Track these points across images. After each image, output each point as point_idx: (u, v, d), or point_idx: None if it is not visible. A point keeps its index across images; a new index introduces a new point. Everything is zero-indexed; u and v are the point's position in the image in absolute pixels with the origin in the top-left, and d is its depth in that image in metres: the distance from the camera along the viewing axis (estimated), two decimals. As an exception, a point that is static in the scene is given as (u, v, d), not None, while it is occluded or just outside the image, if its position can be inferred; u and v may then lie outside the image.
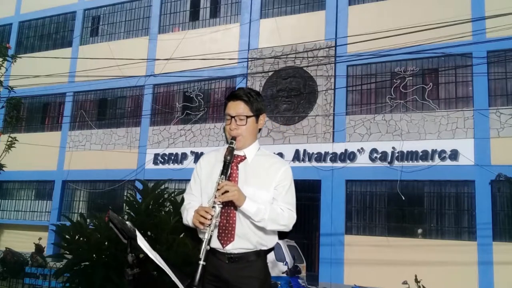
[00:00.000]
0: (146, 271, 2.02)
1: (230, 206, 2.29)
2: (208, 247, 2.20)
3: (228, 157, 2.28)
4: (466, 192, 11.79)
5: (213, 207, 2.20)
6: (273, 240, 2.40)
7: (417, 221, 12.16)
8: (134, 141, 15.97)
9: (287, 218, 2.31)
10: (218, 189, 2.21)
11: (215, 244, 2.30)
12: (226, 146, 2.35)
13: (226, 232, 2.30)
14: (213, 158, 2.45)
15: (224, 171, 2.27)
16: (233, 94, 2.43)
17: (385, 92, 13.02)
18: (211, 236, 2.21)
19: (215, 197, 2.21)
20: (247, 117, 2.36)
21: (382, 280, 11.33)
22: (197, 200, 2.43)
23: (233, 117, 2.37)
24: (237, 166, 2.38)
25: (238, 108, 2.37)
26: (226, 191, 2.18)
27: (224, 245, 2.29)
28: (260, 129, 2.48)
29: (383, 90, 13.09)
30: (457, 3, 12.32)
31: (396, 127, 12.54)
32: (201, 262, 2.15)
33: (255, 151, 2.44)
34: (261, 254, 2.37)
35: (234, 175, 2.36)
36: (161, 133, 15.62)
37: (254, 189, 2.32)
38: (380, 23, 12.67)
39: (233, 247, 2.29)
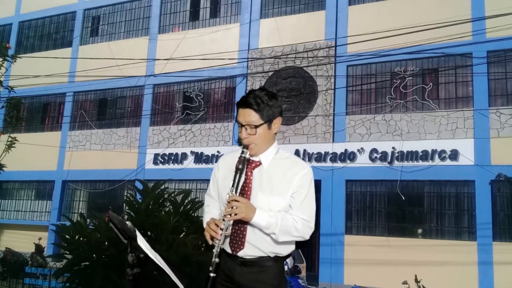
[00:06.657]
0: (146, 271, 2.02)
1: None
2: (217, 260, 2.15)
3: (240, 166, 2.20)
4: (466, 192, 11.78)
5: (223, 220, 2.15)
6: (288, 249, 2.29)
7: (417, 221, 12.15)
8: (134, 141, 15.97)
9: (301, 229, 2.19)
10: (227, 202, 2.15)
11: (227, 249, 2.27)
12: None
13: (237, 239, 2.24)
14: (231, 160, 2.34)
15: (234, 183, 2.19)
16: (242, 100, 2.27)
17: (385, 92, 13.01)
18: (220, 248, 2.16)
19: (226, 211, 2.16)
20: (257, 126, 2.22)
21: (382, 280, 11.33)
22: (215, 203, 2.41)
23: (244, 125, 2.24)
24: (251, 172, 2.29)
25: (247, 116, 2.22)
26: (233, 208, 2.13)
27: (234, 252, 2.25)
28: (276, 132, 2.35)
29: (383, 90, 13.08)
30: (457, 3, 12.31)
31: (396, 127, 12.53)
32: (211, 274, 2.13)
33: (272, 155, 2.31)
34: (278, 260, 2.27)
35: (248, 181, 2.27)
36: (161, 133, 15.61)
37: (268, 196, 2.22)
38: (380, 23, 12.67)
39: (244, 254, 2.24)
